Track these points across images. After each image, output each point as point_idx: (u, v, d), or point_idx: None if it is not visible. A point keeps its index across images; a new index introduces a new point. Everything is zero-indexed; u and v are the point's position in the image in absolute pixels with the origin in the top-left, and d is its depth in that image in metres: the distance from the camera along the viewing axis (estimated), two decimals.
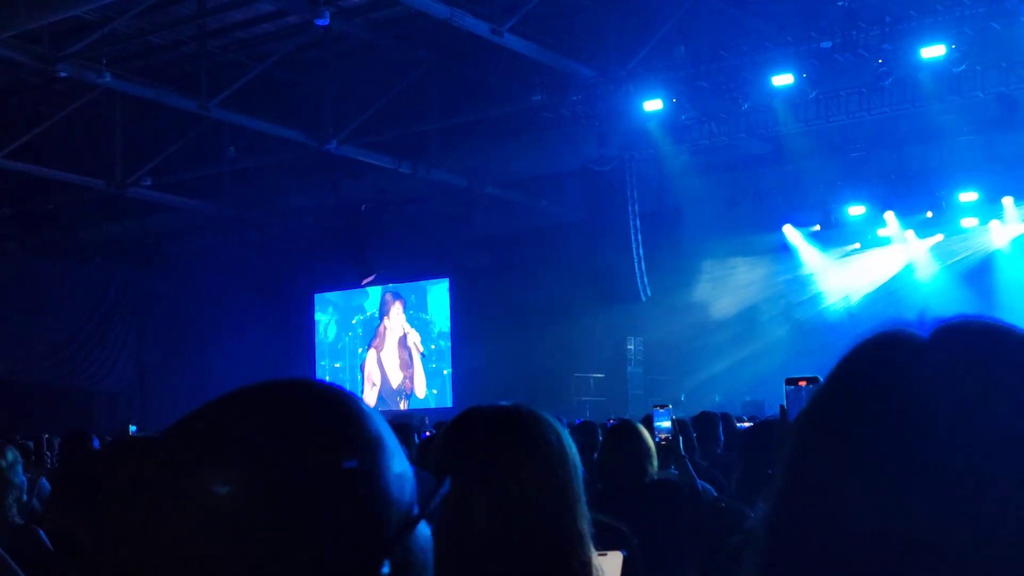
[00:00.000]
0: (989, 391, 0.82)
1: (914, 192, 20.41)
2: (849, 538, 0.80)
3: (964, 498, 0.78)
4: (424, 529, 1.07)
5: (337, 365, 26.55)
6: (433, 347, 25.22)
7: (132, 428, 11.38)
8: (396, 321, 25.68)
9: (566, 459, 2.15)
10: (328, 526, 0.98)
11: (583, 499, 2.14)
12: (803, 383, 2.85)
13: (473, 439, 2.18)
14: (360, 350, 26.21)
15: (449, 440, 2.22)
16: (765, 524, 0.88)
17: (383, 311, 25.90)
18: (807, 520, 0.83)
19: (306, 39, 18.15)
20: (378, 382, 25.66)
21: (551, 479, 2.10)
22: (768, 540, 0.87)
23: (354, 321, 26.49)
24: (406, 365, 25.41)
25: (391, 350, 25.68)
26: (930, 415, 0.81)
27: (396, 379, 25.53)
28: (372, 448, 1.04)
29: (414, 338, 25.35)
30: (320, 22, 15.38)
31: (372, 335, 26.02)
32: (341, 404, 1.06)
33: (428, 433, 9.22)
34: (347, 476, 1.01)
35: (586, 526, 2.12)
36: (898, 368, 0.86)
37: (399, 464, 1.06)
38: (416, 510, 1.06)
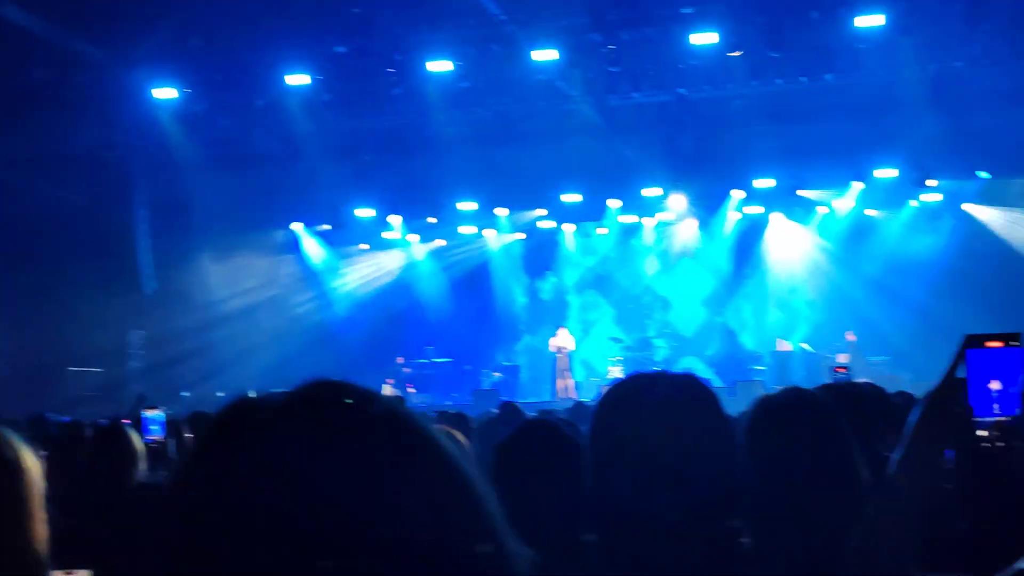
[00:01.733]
0: (333, 457, 0.92)
1: (418, 198, 21.44)
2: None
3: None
4: None
5: None
6: None
7: None
8: None
9: (29, 477, 2.06)
10: None
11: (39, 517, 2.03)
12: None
13: None
14: None
15: None
16: None
17: None
18: None
19: None
20: None
21: (17, 503, 2.00)
22: None
23: None
24: None
25: None
26: (267, 474, 0.91)
27: None
28: None
29: None
30: None
31: None
32: None
33: None
34: None
35: (40, 546, 1.99)
36: (253, 431, 0.95)
37: None
38: None
